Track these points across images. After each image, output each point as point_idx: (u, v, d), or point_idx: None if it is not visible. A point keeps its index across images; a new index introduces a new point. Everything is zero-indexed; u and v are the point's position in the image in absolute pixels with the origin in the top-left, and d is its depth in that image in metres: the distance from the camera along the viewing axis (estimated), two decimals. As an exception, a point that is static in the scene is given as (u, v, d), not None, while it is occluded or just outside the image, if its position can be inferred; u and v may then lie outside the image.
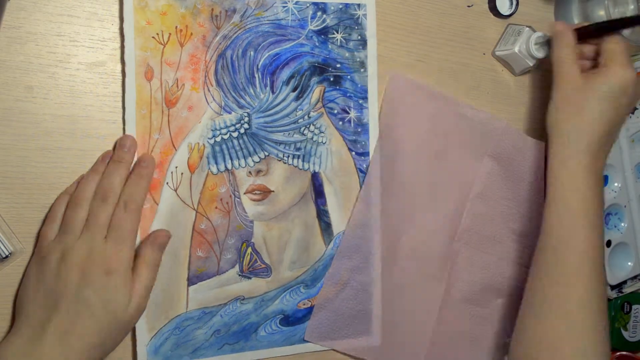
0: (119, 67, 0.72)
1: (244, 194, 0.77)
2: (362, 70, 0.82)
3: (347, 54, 0.81)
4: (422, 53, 0.87)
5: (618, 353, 1.01)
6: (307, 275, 0.80)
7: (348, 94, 0.81)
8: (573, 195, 0.75)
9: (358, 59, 0.81)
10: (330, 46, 0.80)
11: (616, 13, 0.91)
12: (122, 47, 0.72)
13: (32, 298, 0.65)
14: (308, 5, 0.79)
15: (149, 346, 0.73)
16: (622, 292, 0.99)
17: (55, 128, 0.70)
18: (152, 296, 0.72)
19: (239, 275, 0.77)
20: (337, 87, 0.80)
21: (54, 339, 0.63)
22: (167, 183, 0.73)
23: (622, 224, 0.98)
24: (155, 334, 0.73)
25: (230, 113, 0.76)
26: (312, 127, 0.79)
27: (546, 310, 0.75)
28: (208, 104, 0.75)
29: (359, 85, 0.81)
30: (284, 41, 0.78)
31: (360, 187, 0.82)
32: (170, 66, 0.73)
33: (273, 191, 0.78)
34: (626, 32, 0.91)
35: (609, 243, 0.97)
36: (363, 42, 0.81)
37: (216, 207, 0.75)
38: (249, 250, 0.77)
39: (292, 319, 0.79)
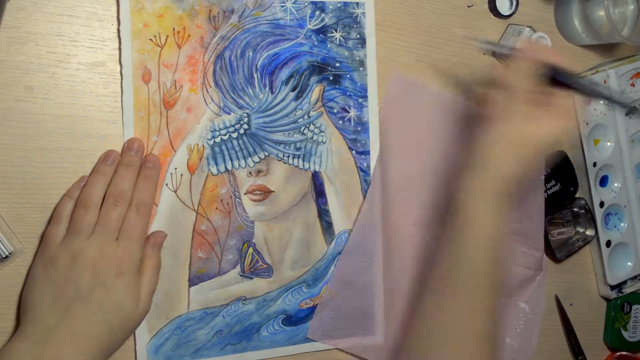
0: (118, 67, 0.72)
1: (245, 194, 0.77)
2: (361, 69, 0.82)
3: (346, 53, 0.81)
4: (422, 53, 0.87)
5: (618, 353, 1.01)
6: (308, 275, 0.80)
7: (348, 93, 0.81)
8: (487, 237, 0.71)
9: (357, 58, 0.81)
10: (329, 45, 0.80)
11: (616, 13, 0.91)
12: (120, 49, 0.72)
13: (39, 300, 0.65)
14: (306, 4, 0.79)
15: (149, 346, 0.73)
16: (622, 292, 0.99)
17: (55, 128, 0.70)
18: (153, 297, 0.72)
19: (241, 275, 0.77)
20: (337, 86, 0.80)
21: (64, 341, 0.63)
22: (167, 184, 0.73)
23: (622, 224, 0.98)
24: (155, 334, 0.73)
25: (229, 114, 0.76)
26: (312, 127, 0.79)
27: (435, 340, 0.72)
28: (207, 105, 0.75)
29: (359, 84, 0.81)
30: (282, 41, 0.78)
31: (361, 186, 0.82)
32: (167, 68, 0.73)
33: (273, 191, 0.78)
34: (626, 32, 0.91)
35: (609, 243, 0.97)
36: (362, 41, 0.81)
37: (216, 208, 0.75)
38: (250, 250, 0.77)
39: (295, 319, 0.79)
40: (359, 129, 0.82)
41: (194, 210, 0.74)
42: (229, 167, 0.76)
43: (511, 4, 0.91)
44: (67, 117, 0.71)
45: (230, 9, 0.75)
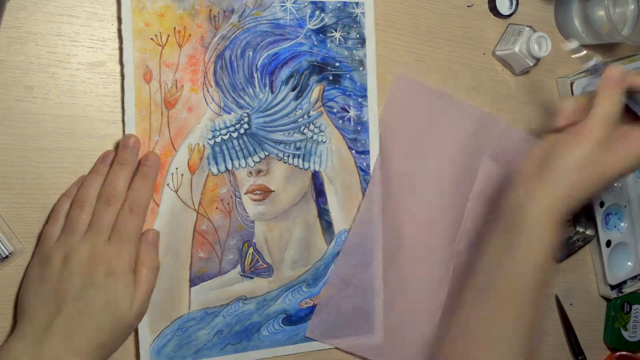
0: (118, 67, 0.72)
1: (245, 194, 0.77)
2: (361, 68, 0.82)
3: (346, 53, 0.81)
4: (422, 53, 0.87)
5: (618, 353, 1.01)
6: (308, 274, 0.80)
7: (347, 93, 0.81)
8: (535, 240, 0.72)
9: (357, 58, 0.81)
10: (329, 45, 0.80)
11: (616, 13, 0.91)
12: (121, 49, 0.72)
13: (34, 299, 0.65)
14: (306, 4, 0.79)
15: (151, 347, 0.73)
16: (622, 292, 0.99)
17: (55, 128, 0.70)
18: (154, 297, 0.72)
19: (241, 275, 0.77)
20: (337, 86, 0.80)
21: (59, 340, 0.63)
22: (168, 184, 0.73)
23: (622, 224, 0.98)
24: (158, 335, 0.73)
25: (229, 113, 0.76)
26: (311, 126, 0.79)
27: (474, 331, 0.73)
28: (207, 104, 0.75)
29: (358, 84, 0.82)
30: (282, 41, 0.78)
31: (361, 185, 0.82)
32: (169, 67, 0.73)
33: (274, 191, 0.78)
34: (626, 32, 0.91)
35: (609, 243, 0.97)
36: (362, 41, 0.81)
37: (217, 208, 0.75)
38: (251, 250, 0.77)
39: (295, 319, 0.79)
40: (358, 128, 0.82)
41: (195, 210, 0.74)
42: (230, 166, 0.76)
43: (511, 3, 0.91)
44: (67, 117, 0.70)
45: (230, 8, 0.75)
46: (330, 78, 0.80)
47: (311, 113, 0.79)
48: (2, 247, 0.68)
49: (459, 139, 0.87)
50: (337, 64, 0.81)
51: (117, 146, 0.72)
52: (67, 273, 0.65)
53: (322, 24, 0.80)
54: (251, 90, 0.77)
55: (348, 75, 0.81)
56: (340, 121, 0.81)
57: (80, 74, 0.71)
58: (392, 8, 0.85)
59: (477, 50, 0.90)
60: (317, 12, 0.79)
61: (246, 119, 0.76)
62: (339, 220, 0.81)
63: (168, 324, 0.74)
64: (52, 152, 0.70)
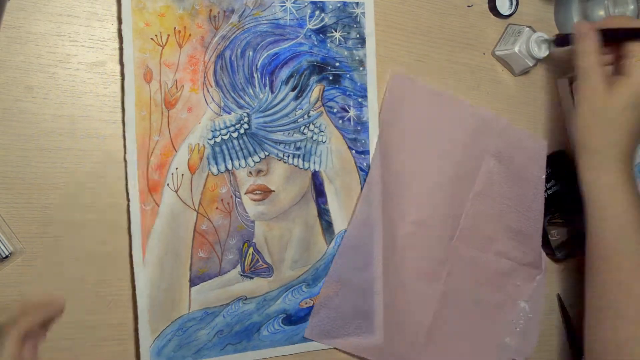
0: (119, 67, 0.72)
1: (245, 194, 0.77)
2: (360, 68, 0.82)
3: (345, 53, 0.81)
4: (422, 53, 0.87)
5: (618, 352, 1.01)
6: (308, 274, 0.80)
7: (347, 93, 0.81)
8: (611, 206, 0.75)
9: (357, 58, 0.81)
10: (329, 45, 0.80)
11: (616, 13, 0.91)
12: (121, 48, 0.72)
13: None
14: (306, 4, 0.79)
15: (152, 348, 0.73)
16: (622, 292, 0.99)
17: (55, 128, 0.70)
18: (155, 297, 0.72)
19: (241, 275, 0.77)
20: (337, 86, 0.81)
21: None
22: (168, 184, 0.73)
23: (623, 224, 0.98)
24: (158, 335, 0.73)
25: (229, 113, 0.76)
26: (311, 126, 0.79)
27: (610, 315, 0.76)
28: (207, 104, 0.75)
29: (358, 84, 0.82)
30: (282, 41, 0.78)
31: (361, 185, 0.82)
32: (169, 67, 0.73)
33: (274, 191, 0.78)
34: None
35: (609, 242, 0.97)
36: (362, 41, 0.81)
37: (217, 208, 0.75)
38: (251, 250, 0.77)
39: (295, 319, 0.79)
40: (358, 128, 0.82)
41: (195, 210, 0.74)
42: (229, 166, 0.76)
43: (511, 4, 0.91)
44: (67, 117, 0.71)
45: (230, 8, 0.76)
46: (330, 78, 0.80)
47: (311, 113, 0.79)
48: (2, 247, 0.68)
49: (458, 138, 0.87)
50: (337, 64, 0.81)
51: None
52: None
53: (322, 24, 0.80)
54: (251, 90, 0.77)
55: (348, 75, 0.81)
56: (340, 121, 0.81)
57: (80, 74, 0.71)
58: (392, 8, 0.85)
59: (477, 50, 0.90)
60: (317, 12, 0.79)
61: (246, 119, 0.76)
62: (339, 221, 0.81)
63: (168, 324, 0.74)
64: (52, 152, 0.70)
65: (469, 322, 0.89)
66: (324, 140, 0.80)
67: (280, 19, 0.78)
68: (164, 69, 0.73)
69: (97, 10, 0.72)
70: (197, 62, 0.74)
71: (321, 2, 0.80)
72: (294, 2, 0.78)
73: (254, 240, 0.77)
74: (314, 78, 0.79)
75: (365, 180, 0.82)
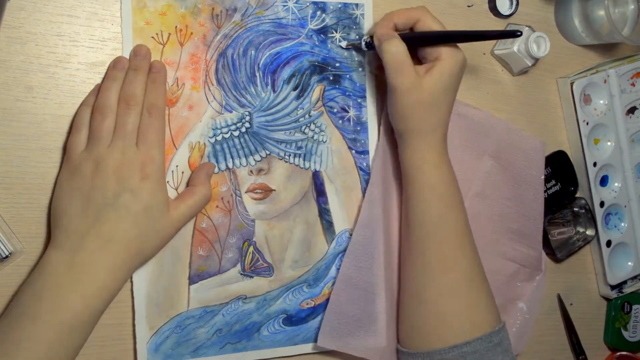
0: (119, 67, 0.72)
1: (245, 192, 0.77)
2: (360, 69, 0.82)
3: (345, 53, 0.81)
4: (421, 53, 0.87)
5: (618, 353, 1.01)
6: (309, 274, 0.80)
7: (347, 93, 0.81)
8: (438, 184, 0.76)
9: (356, 58, 0.82)
10: (329, 45, 0.80)
11: (616, 13, 0.92)
12: (122, 48, 0.72)
13: (68, 209, 0.66)
14: (308, 4, 0.79)
15: (149, 344, 0.73)
16: (622, 292, 0.99)
17: (55, 128, 0.70)
18: (153, 295, 0.72)
19: (241, 274, 0.77)
20: (337, 86, 0.81)
21: (96, 247, 0.64)
22: (168, 182, 0.73)
23: (622, 224, 0.98)
24: (156, 332, 0.73)
25: (231, 112, 0.76)
26: (312, 126, 0.79)
27: (432, 293, 0.76)
28: (209, 103, 0.75)
29: (358, 84, 0.82)
30: (284, 40, 0.78)
31: (361, 185, 0.82)
32: (170, 66, 0.73)
33: (274, 190, 0.78)
34: (626, 31, 0.91)
35: (609, 243, 0.97)
36: (361, 49, 0.81)
37: (217, 206, 0.75)
38: (251, 249, 0.77)
39: (295, 319, 0.79)
40: (358, 128, 0.82)
41: (195, 208, 0.74)
42: (230, 165, 0.76)
43: (511, 3, 0.91)
44: (67, 117, 0.70)
45: (233, 7, 0.76)
46: (331, 78, 0.80)
47: (312, 113, 0.79)
48: (2, 247, 0.68)
49: (456, 139, 0.86)
50: (338, 65, 0.81)
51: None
52: (100, 181, 0.65)
53: (323, 24, 0.80)
54: (253, 89, 0.77)
55: (348, 76, 0.81)
56: (340, 121, 0.81)
57: (80, 74, 0.71)
58: (391, 9, 0.84)
59: (477, 50, 0.90)
60: (319, 13, 0.79)
61: (248, 118, 0.76)
62: (340, 220, 0.81)
63: (166, 321, 0.74)
64: (52, 152, 0.70)
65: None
66: (324, 140, 0.80)
67: (282, 18, 0.78)
68: (165, 67, 0.73)
69: (97, 10, 0.72)
70: (198, 60, 0.74)
71: (322, 2, 0.80)
72: (296, 2, 0.78)
73: (254, 239, 0.77)
74: (314, 78, 0.79)
75: (365, 180, 0.82)
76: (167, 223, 0.69)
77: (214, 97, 0.75)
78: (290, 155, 0.78)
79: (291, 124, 0.78)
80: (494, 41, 0.91)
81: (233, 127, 0.76)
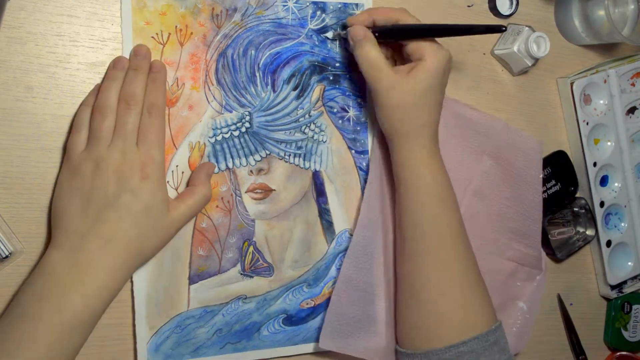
0: (119, 67, 0.72)
1: (245, 192, 0.77)
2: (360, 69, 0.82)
3: (345, 53, 0.81)
4: (421, 53, 0.87)
5: (618, 353, 1.01)
6: (309, 274, 0.80)
7: (347, 93, 0.81)
8: (430, 183, 0.76)
9: (357, 58, 0.82)
10: (329, 45, 0.80)
11: (616, 13, 0.92)
12: (121, 48, 0.72)
13: (68, 209, 0.66)
14: (308, 4, 0.79)
15: (149, 344, 0.73)
16: (622, 292, 0.99)
17: (55, 128, 0.70)
18: (153, 295, 0.72)
19: (241, 274, 0.77)
20: (337, 86, 0.81)
21: (96, 247, 0.64)
22: (168, 182, 0.73)
23: (622, 224, 0.98)
24: (156, 332, 0.73)
25: (231, 112, 0.76)
26: (312, 126, 0.79)
27: (428, 293, 0.76)
28: (209, 102, 0.75)
29: (358, 84, 0.82)
30: (284, 40, 0.78)
31: (361, 185, 0.82)
32: (170, 66, 0.73)
33: (274, 190, 0.78)
34: (626, 31, 0.91)
35: (609, 243, 0.97)
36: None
37: (217, 206, 0.75)
38: (251, 249, 0.77)
39: (295, 319, 0.79)
40: (358, 128, 0.82)
41: (195, 208, 0.74)
42: (230, 165, 0.76)
43: (511, 3, 0.91)
44: (67, 117, 0.70)
45: (233, 7, 0.76)
46: (331, 78, 0.80)
47: (312, 113, 0.79)
48: (2, 247, 0.68)
49: (456, 139, 0.87)
50: (338, 64, 0.81)
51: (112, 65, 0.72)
52: (101, 181, 0.65)
53: (323, 24, 0.80)
54: (253, 89, 0.77)
55: (348, 76, 0.81)
56: (340, 121, 0.81)
57: (80, 74, 0.71)
58: (391, 8, 0.85)
59: (477, 50, 0.90)
60: (319, 13, 0.80)
61: (248, 118, 0.76)
62: (340, 220, 0.81)
63: (166, 321, 0.74)
64: (52, 152, 0.70)
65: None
66: (324, 140, 0.80)
67: (282, 18, 0.78)
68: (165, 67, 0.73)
69: (97, 10, 0.72)
70: (198, 60, 0.74)
71: (322, 2, 0.80)
72: (296, 2, 0.78)
73: (254, 239, 0.77)
74: (314, 78, 0.79)
75: (365, 180, 0.82)
76: (167, 223, 0.69)
77: (214, 97, 0.75)
78: (290, 155, 0.78)
79: (291, 124, 0.78)
80: (494, 41, 0.91)
81: (233, 127, 0.76)
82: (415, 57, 0.75)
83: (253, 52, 0.77)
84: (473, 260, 0.78)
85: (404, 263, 0.79)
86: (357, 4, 0.81)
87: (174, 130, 0.73)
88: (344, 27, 0.80)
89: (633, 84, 0.97)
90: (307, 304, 0.80)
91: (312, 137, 0.79)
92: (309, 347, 0.80)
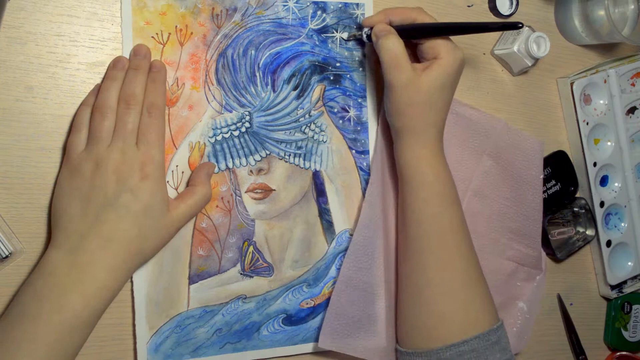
0: (119, 66, 0.72)
1: (245, 192, 0.77)
2: (360, 69, 0.82)
3: (346, 53, 0.81)
4: (421, 53, 0.87)
5: (618, 353, 1.01)
6: (309, 274, 0.80)
7: (347, 93, 0.81)
8: (434, 182, 0.76)
9: (357, 58, 0.81)
10: (330, 45, 0.80)
11: (616, 13, 0.92)
12: (121, 47, 0.72)
13: (68, 209, 0.66)
14: (308, 4, 0.79)
15: (149, 344, 0.73)
16: (622, 292, 0.99)
17: (55, 128, 0.70)
18: (153, 295, 0.72)
19: (241, 274, 0.77)
20: (337, 86, 0.81)
21: (96, 247, 0.64)
22: (168, 182, 0.73)
23: (622, 224, 0.98)
24: (156, 332, 0.73)
25: (231, 112, 0.76)
26: (312, 126, 0.79)
27: (429, 292, 0.76)
28: (209, 102, 0.75)
29: (358, 84, 0.82)
30: (284, 40, 0.78)
31: (361, 185, 0.82)
32: (170, 65, 0.73)
33: (274, 190, 0.78)
34: (626, 31, 0.91)
35: (609, 243, 0.97)
36: (361, 42, 0.81)
37: (217, 206, 0.75)
38: (251, 249, 0.77)
39: (295, 319, 0.79)
40: (358, 128, 0.82)
41: (195, 208, 0.74)
42: (230, 165, 0.76)
43: (511, 3, 0.91)
44: (67, 117, 0.70)
45: (233, 7, 0.76)
46: (331, 78, 0.80)
47: (312, 112, 0.79)
48: (2, 247, 0.68)
49: (456, 139, 0.87)
50: (338, 64, 0.81)
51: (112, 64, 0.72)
52: (100, 181, 0.65)
53: (324, 24, 0.80)
54: (253, 89, 0.77)
55: (348, 76, 0.81)
56: (341, 121, 0.81)
57: (80, 74, 0.71)
58: (392, 8, 0.85)
59: (477, 50, 0.90)
60: (319, 13, 0.80)
61: (248, 118, 0.76)
62: (340, 220, 0.81)
63: (166, 321, 0.74)
64: (52, 152, 0.70)
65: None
66: (324, 140, 0.80)
67: (282, 18, 0.78)
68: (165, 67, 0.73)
69: (97, 10, 0.72)
70: (198, 60, 0.74)
71: (323, 2, 0.80)
72: (296, 2, 0.78)
73: (254, 239, 0.77)
74: (315, 78, 0.79)
75: (365, 180, 0.82)
76: (167, 223, 0.69)
77: (214, 97, 0.75)
78: (290, 155, 0.78)
79: (291, 124, 0.78)
80: (494, 41, 0.91)
81: (233, 127, 0.76)
82: (431, 55, 0.75)
83: (253, 52, 0.77)
84: (475, 258, 0.78)
85: (406, 261, 0.79)
86: (357, 4, 0.81)
87: (174, 130, 0.73)
88: (360, 27, 0.81)
89: (633, 84, 0.97)
90: (307, 303, 0.80)
91: (313, 137, 0.79)
92: (309, 347, 0.80)
